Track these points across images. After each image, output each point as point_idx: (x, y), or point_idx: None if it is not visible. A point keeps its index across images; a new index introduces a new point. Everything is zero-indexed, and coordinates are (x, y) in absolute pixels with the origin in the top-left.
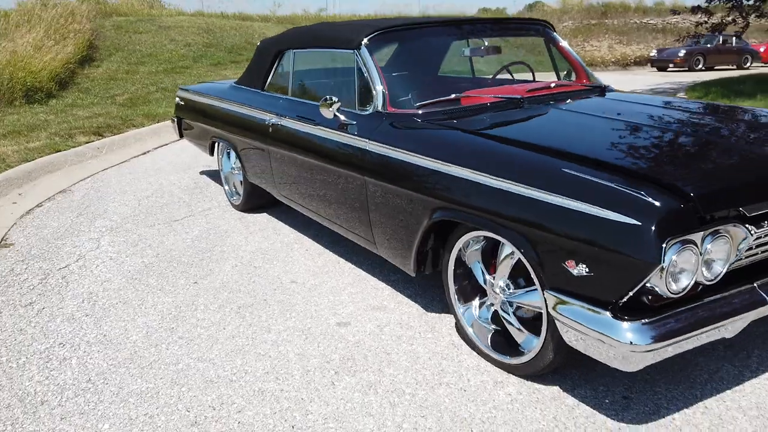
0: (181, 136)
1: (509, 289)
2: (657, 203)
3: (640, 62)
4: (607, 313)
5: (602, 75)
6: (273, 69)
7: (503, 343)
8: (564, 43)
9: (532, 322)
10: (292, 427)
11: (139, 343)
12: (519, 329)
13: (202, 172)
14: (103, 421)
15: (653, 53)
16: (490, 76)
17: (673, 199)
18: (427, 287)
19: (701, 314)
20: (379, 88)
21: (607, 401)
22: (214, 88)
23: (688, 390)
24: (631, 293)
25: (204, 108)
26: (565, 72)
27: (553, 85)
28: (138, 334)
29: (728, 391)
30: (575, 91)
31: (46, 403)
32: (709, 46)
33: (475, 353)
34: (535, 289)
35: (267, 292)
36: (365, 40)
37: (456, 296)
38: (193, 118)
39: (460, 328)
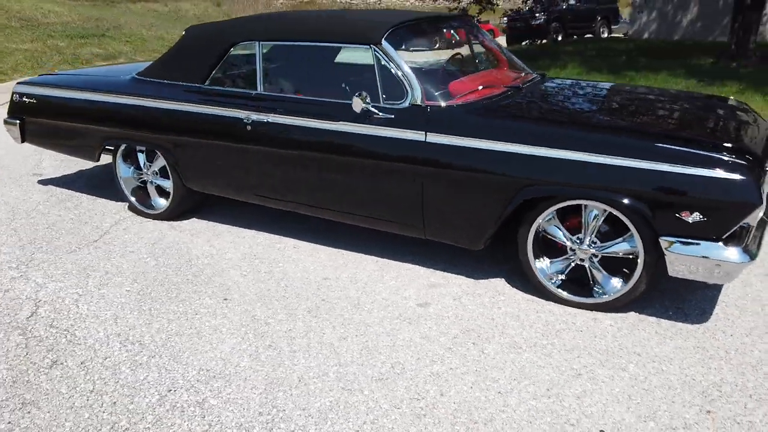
0: (24, 140)
1: (596, 243)
2: (747, 163)
3: None
4: (720, 243)
5: None
6: (221, 61)
7: (577, 289)
8: (489, 38)
9: (614, 267)
10: (514, 380)
11: (264, 364)
12: (604, 274)
13: (42, 181)
14: None
15: None
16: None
17: (751, 159)
18: (453, 261)
19: None
20: (414, 82)
21: (670, 313)
22: (93, 81)
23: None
24: (734, 228)
25: (86, 106)
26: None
27: (524, 74)
28: (245, 359)
29: None
30: (538, 79)
31: None
32: None
33: (552, 302)
34: (623, 240)
35: (311, 292)
36: (386, 35)
37: (533, 257)
38: (58, 119)
39: (534, 285)
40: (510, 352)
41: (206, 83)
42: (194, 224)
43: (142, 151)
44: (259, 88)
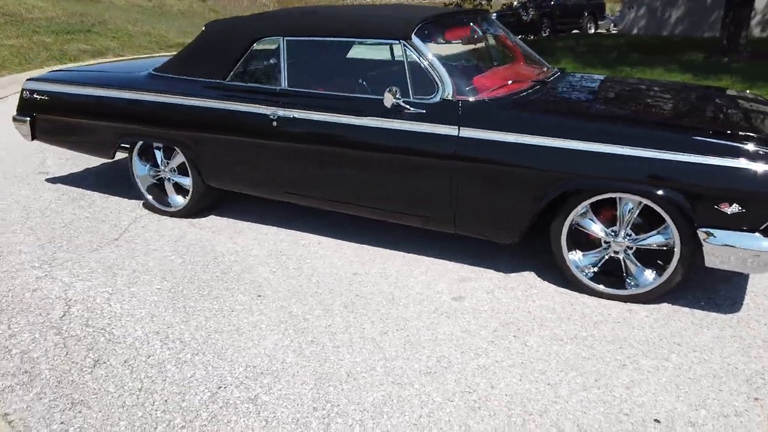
0: (35, 137)
1: (631, 236)
2: None
3: None
4: (758, 235)
5: None
6: (244, 57)
7: (611, 281)
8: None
9: (647, 259)
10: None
11: (310, 360)
12: (638, 266)
13: (50, 180)
14: None
15: None
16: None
17: None
18: (481, 255)
19: None
20: (445, 77)
21: (702, 303)
22: (108, 77)
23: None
24: None
25: (102, 103)
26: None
27: (546, 69)
28: (289, 355)
29: None
30: (559, 74)
31: None
32: None
33: (585, 295)
34: (658, 233)
35: (344, 288)
36: (416, 30)
37: (567, 250)
38: (71, 116)
39: (567, 278)
40: (552, 344)
41: (228, 79)
42: (214, 221)
43: (159, 148)
44: (283, 84)
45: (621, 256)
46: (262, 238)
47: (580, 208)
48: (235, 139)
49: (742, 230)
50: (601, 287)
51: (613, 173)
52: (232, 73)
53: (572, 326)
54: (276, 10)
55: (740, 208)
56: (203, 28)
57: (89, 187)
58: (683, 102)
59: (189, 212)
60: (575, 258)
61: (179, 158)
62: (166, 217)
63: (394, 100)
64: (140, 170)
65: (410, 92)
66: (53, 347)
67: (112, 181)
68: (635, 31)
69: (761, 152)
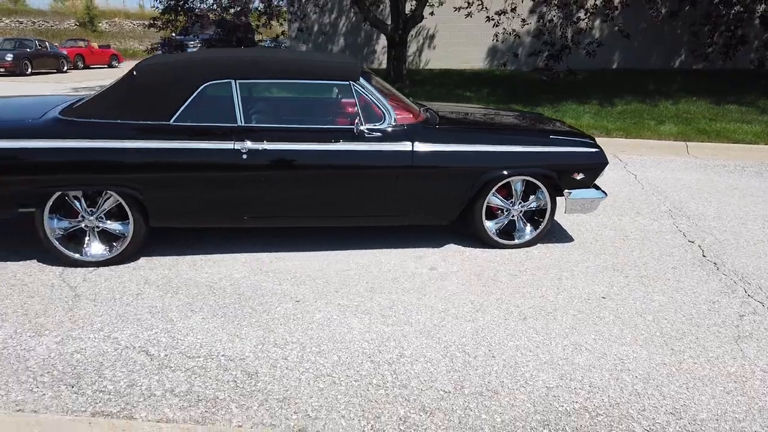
0: None
1: (522, 203)
2: (595, 142)
3: None
4: (591, 189)
5: None
6: (191, 98)
7: (506, 236)
8: None
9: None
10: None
11: (389, 320)
12: (525, 223)
13: None
14: None
15: None
16: None
17: (593, 140)
18: (414, 237)
19: None
20: (389, 107)
21: (548, 240)
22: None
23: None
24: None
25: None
26: None
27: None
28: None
29: None
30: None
31: None
32: (29, 50)
33: (495, 248)
34: (535, 200)
35: (351, 280)
36: (362, 73)
37: (485, 220)
38: None
39: (483, 239)
40: (513, 274)
41: (173, 119)
42: (156, 262)
43: (78, 198)
44: (239, 121)
45: (515, 218)
46: (226, 263)
47: (493, 190)
48: (197, 175)
49: (586, 187)
50: (504, 241)
51: (519, 164)
52: (178, 113)
53: (510, 263)
54: (220, 52)
55: (582, 175)
56: (133, 72)
57: None
58: (525, 120)
59: (121, 258)
60: (489, 225)
61: (109, 203)
62: (91, 269)
63: (361, 128)
64: (55, 224)
65: (362, 120)
66: None
67: None
68: None
69: (589, 142)
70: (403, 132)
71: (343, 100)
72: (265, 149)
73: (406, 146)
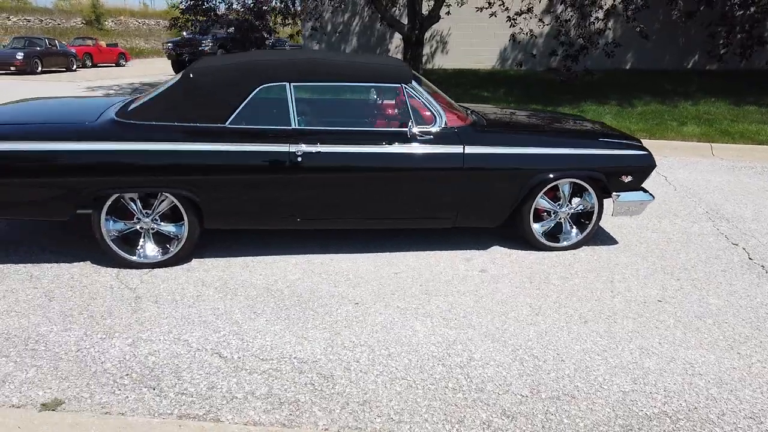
0: None
1: (569, 206)
2: (642, 145)
3: None
4: (640, 192)
5: None
6: (246, 101)
7: (552, 238)
8: None
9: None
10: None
11: (451, 322)
12: (571, 225)
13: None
14: None
15: None
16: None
17: (640, 143)
18: (458, 239)
19: None
20: (440, 109)
21: (593, 244)
22: (54, 129)
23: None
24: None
25: (65, 157)
26: None
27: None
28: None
29: None
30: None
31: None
32: (39, 48)
33: (541, 250)
34: (582, 202)
35: (406, 283)
36: (413, 75)
37: (532, 222)
38: (17, 177)
39: (530, 242)
40: (565, 277)
41: (228, 122)
42: (209, 264)
43: (134, 200)
44: (294, 124)
45: (562, 221)
46: (276, 265)
47: (542, 192)
48: (252, 177)
49: (633, 190)
50: (550, 244)
51: (569, 166)
52: (233, 116)
53: (559, 266)
54: (274, 55)
55: (631, 178)
56: (189, 75)
57: (34, 260)
58: (570, 122)
59: (175, 260)
60: (536, 227)
61: (164, 205)
62: (147, 271)
63: (413, 130)
64: (112, 226)
65: (412, 122)
66: None
67: (6, 244)
68: None
69: (638, 144)
70: (454, 134)
71: (394, 102)
72: (320, 152)
73: (457, 149)
